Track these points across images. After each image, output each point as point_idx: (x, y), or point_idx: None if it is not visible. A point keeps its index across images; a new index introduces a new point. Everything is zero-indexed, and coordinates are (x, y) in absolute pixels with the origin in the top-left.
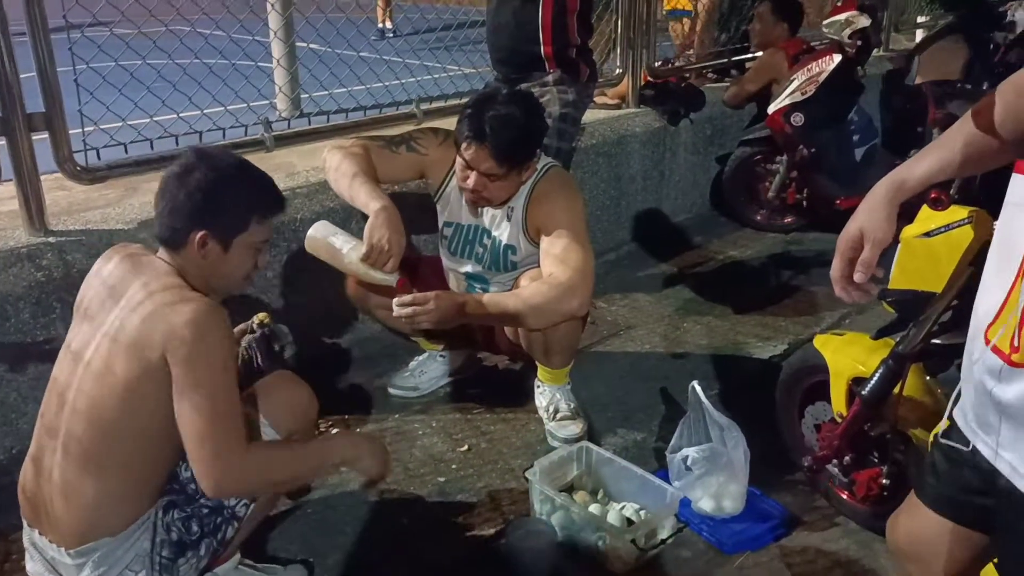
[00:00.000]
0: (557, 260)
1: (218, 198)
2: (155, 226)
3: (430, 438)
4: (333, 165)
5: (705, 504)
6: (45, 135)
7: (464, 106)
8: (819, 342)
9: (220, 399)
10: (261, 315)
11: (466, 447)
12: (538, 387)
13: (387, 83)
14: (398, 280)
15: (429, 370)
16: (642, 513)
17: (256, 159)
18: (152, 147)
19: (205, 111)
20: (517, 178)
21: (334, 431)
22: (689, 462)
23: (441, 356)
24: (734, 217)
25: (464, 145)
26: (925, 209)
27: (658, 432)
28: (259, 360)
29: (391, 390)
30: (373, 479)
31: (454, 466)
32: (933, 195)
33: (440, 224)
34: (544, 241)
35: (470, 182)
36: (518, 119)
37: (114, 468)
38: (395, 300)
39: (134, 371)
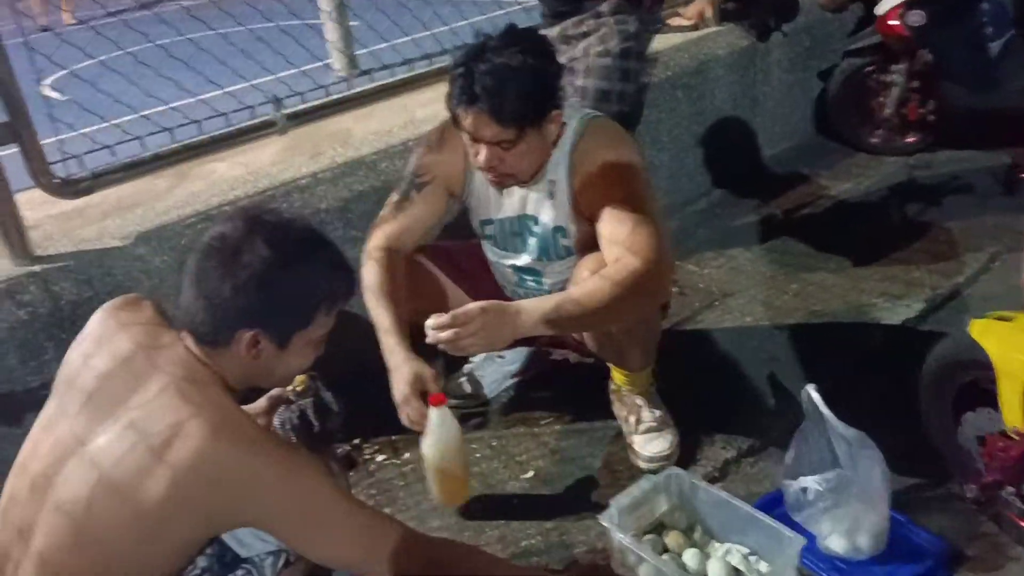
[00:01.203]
0: (620, 246)
1: (278, 291)
2: (182, 313)
3: (489, 462)
4: (364, 285)
5: (835, 543)
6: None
7: (451, 67)
8: (977, 330)
9: (340, 521)
10: (298, 379)
11: (531, 472)
12: (615, 392)
13: (433, 31)
14: (430, 399)
15: (487, 374)
16: (751, 560)
17: (271, 141)
18: (143, 145)
19: (201, 96)
20: (539, 139)
21: (379, 458)
22: (811, 496)
23: (500, 357)
24: (844, 141)
25: (459, 114)
26: None
27: (768, 437)
28: (294, 440)
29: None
30: None
31: (516, 501)
32: None
33: (475, 225)
34: (600, 222)
35: (481, 158)
36: (515, 66)
37: None
38: (429, 322)
39: (147, 530)
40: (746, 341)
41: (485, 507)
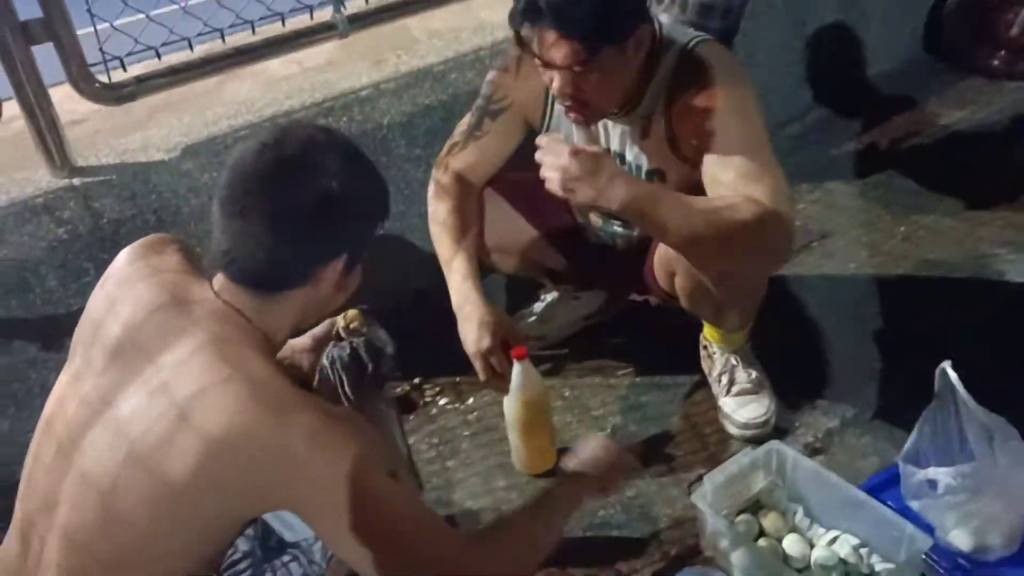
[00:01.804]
0: (738, 191)
1: (356, 210)
2: (225, 259)
3: (562, 414)
4: (433, 218)
5: (960, 539)
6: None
7: None
8: None
9: (398, 518)
10: (351, 314)
11: (609, 430)
12: (705, 347)
13: None
14: (513, 352)
15: (559, 314)
16: (863, 553)
17: (330, 45)
18: (192, 48)
19: None
20: (621, 61)
21: (441, 401)
22: (940, 489)
23: (575, 298)
24: (959, 63)
25: (524, 34)
26: None
27: (877, 406)
28: (346, 387)
29: None
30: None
31: None
32: None
33: None
34: (709, 165)
35: (555, 85)
36: None
37: None
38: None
39: (177, 510)
40: (849, 291)
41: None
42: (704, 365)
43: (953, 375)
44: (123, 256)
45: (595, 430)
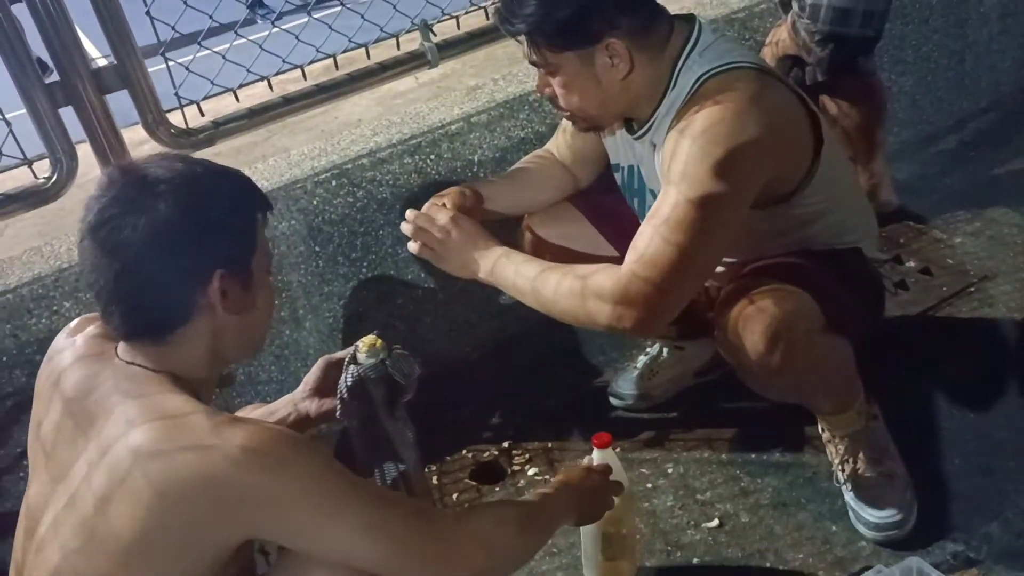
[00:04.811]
0: (635, 248)
1: (198, 223)
2: (108, 321)
3: (663, 496)
4: None
5: None
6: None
7: None
8: None
9: (371, 513)
10: (368, 339)
11: (716, 521)
12: (823, 430)
13: None
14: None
15: (663, 370)
16: None
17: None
18: (271, 87)
19: (334, 27)
20: (585, 71)
21: (531, 471)
22: None
23: (679, 348)
24: None
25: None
26: None
27: None
28: (379, 412)
29: (612, 399)
30: None
31: (694, 560)
32: None
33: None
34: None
35: (538, 85)
36: None
37: None
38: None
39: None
40: (1014, 348)
41: (655, 563)
42: (827, 450)
43: None
44: (58, 339)
45: (700, 519)
